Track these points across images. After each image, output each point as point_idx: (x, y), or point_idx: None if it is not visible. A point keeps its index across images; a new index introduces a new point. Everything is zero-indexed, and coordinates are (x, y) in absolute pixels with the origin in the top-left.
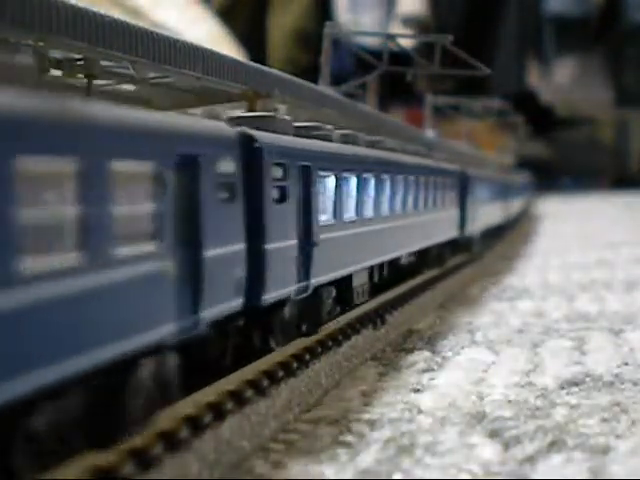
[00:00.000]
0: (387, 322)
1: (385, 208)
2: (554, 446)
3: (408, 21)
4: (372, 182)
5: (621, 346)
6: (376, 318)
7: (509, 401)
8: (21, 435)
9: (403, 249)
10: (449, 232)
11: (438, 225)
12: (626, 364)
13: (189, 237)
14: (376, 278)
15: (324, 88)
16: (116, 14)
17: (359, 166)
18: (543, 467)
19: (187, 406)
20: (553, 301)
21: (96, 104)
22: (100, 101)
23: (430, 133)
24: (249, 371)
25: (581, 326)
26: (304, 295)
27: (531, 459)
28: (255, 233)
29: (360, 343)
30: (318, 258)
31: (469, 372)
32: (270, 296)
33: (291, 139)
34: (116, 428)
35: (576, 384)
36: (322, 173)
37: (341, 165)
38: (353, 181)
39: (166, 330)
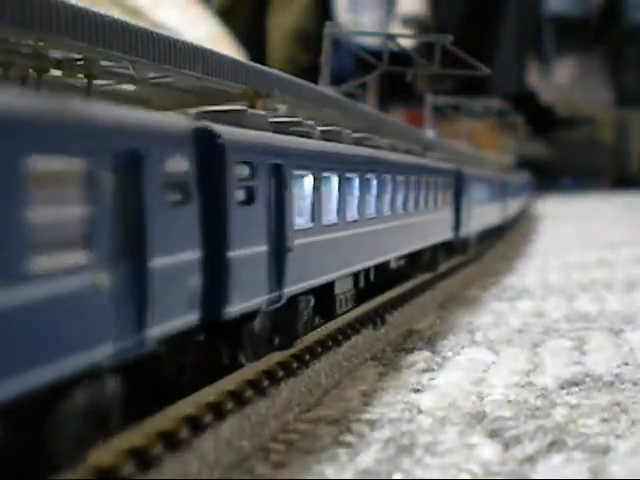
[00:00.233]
0: (387, 322)
1: (371, 210)
2: (554, 446)
3: (408, 21)
4: (356, 182)
5: (621, 346)
6: (376, 318)
7: (509, 401)
8: None
9: (391, 253)
10: (442, 234)
11: (430, 227)
12: (626, 364)
13: (132, 245)
14: (362, 284)
15: (324, 88)
16: (116, 14)
17: (342, 165)
18: (543, 467)
19: (187, 406)
20: (553, 301)
21: (10, 91)
22: (16, 88)
23: (430, 133)
24: (249, 371)
25: (581, 326)
26: (277, 306)
27: (531, 459)
28: (215, 239)
29: (360, 343)
30: (293, 265)
31: (469, 372)
32: (235, 308)
33: (260, 135)
34: (40, 466)
35: (576, 384)
36: (298, 172)
37: (321, 164)
38: (334, 181)
39: (102, 352)
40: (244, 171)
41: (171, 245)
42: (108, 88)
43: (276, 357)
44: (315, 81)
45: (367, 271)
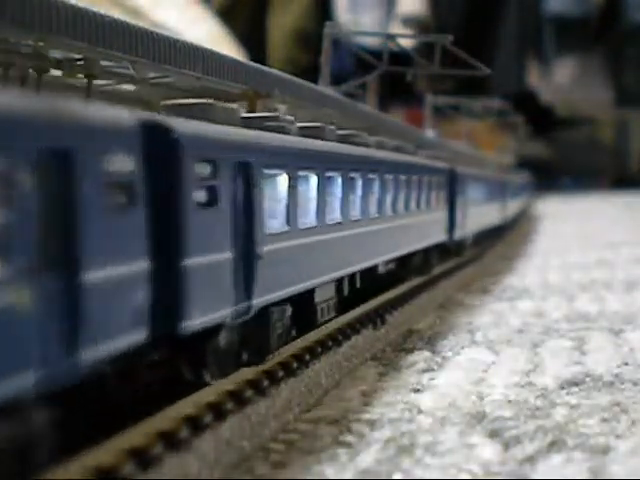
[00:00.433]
0: (387, 322)
1: (356, 211)
2: (554, 446)
3: (408, 21)
4: (339, 182)
5: (621, 346)
6: (376, 318)
7: (509, 401)
8: None
9: (379, 257)
10: (435, 236)
11: (422, 228)
12: (626, 364)
13: (61, 256)
14: (346, 291)
15: (324, 88)
16: (116, 14)
17: (322, 163)
18: (543, 467)
19: (187, 406)
20: (553, 301)
21: None
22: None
23: (430, 133)
24: (249, 372)
25: (581, 326)
26: (245, 318)
27: (531, 459)
28: (168, 246)
29: (360, 343)
30: (264, 273)
31: (469, 372)
32: (193, 323)
33: (225, 129)
34: None
35: (576, 384)
36: (270, 171)
37: (297, 162)
38: (313, 180)
39: (19, 382)
40: (204, 170)
41: (111, 254)
42: (108, 88)
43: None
44: (315, 81)
45: (352, 277)
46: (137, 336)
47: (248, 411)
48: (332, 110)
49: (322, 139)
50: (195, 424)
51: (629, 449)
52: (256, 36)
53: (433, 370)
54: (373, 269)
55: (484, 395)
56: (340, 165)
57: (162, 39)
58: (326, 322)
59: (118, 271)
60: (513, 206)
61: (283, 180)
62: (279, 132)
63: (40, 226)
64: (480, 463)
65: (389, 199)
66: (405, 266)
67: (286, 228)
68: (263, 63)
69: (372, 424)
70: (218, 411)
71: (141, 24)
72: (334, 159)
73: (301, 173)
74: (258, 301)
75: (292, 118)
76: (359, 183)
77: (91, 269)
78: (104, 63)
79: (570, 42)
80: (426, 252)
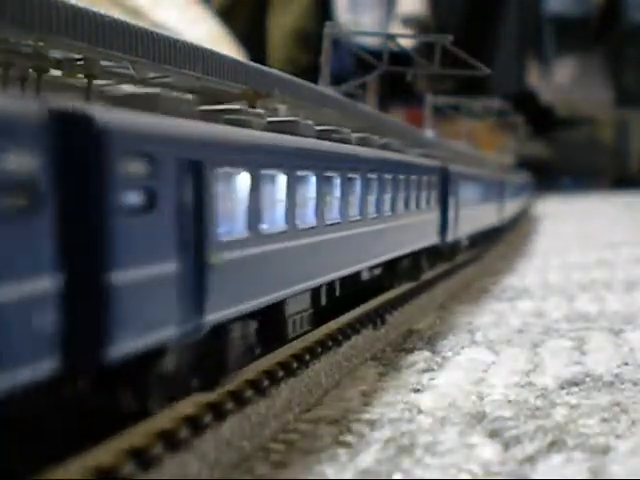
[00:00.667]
0: (387, 322)
1: (333, 214)
2: (554, 446)
3: (408, 21)
4: (312, 181)
5: (621, 346)
6: (376, 318)
7: (509, 401)
8: None
9: (362, 263)
10: (426, 239)
11: (411, 231)
12: (626, 364)
13: None
14: (323, 301)
15: (324, 88)
16: (116, 14)
17: (292, 161)
18: (543, 467)
19: (187, 406)
20: (553, 301)
21: None
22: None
23: (430, 133)
24: (249, 371)
25: (581, 326)
26: (195, 337)
27: (531, 459)
28: (86, 258)
29: (360, 343)
30: (219, 285)
31: (469, 372)
32: (123, 347)
33: (169, 122)
34: None
35: (576, 384)
36: (226, 170)
37: (261, 160)
38: (282, 180)
39: None
40: (138, 168)
41: (6, 270)
42: (108, 88)
43: (276, 357)
44: (315, 81)
45: (331, 285)
46: (43, 368)
47: (248, 411)
48: (332, 110)
49: (297, 135)
50: (195, 424)
51: (629, 449)
52: (256, 36)
53: (433, 370)
54: (355, 276)
55: (484, 395)
56: (315, 163)
57: (162, 39)
58: (299, 336)
59: (16, 291)
60: (512, 207)
61: (244, 180)
62: (242, 126)
63: None
64: (480, 463)
65: (373, 200)
66: (392, 271)
67: (247, 234)
68: (263, 63)
69: (372, 424)
70: (218, 411)
71: (141, 24)
72: (308, 156)
73: (266, 172)
74: (212, 317)
75: (262, 111)
76: (337, 182)
77: None
78: (104, 63)
79: (570, 42)
80: (416, 256)
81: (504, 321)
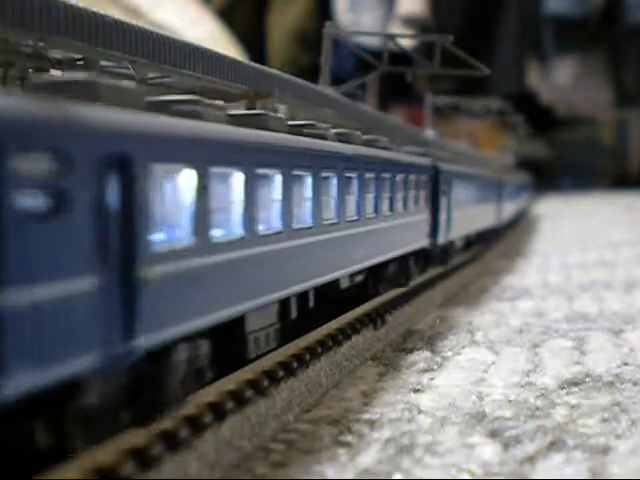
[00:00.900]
0: (387, 322)
1: (305, 217)
2: (554, 446)
3: (408, 21)
4: (277, 181)
5: (621, 346)
6: (376, 318)
7: (509, 401)
8: None
9: (340, 270)
10: (415, 242)
11: (398, 233)
12: (626, 364)
13: None
14: (294, 314)
15: (324, 88)
16: (116, 14)
17: (252, 158)
18: (543, 467)
19: (187, 406)
20: (553, 301)
21: None
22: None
23: (430, 133)
24: (249, 371)
25: (581, 326)
26: (124, 365)
27: (531, 459)
28: None
29: (360, 343)
30: (155, 301)
31: (469, 372)
32: (19, 384)
33: (87, 110)
34: None
35: (576, 384)
36: (165, 166)
37: (211, 156)
38: (238, 180)
39: None
40: (41, 165)
41: None
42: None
43: (276, 357)
44: (315, 81)
45: (303, 295)
46: None
47: (248, 411)
48: (332, 110)
49: (266, 129)
50: (195, 424)
51: (629, 449)
52: (256, 36)
53: (433, 370)
54: (333, 284)
55: (484, 395)
56: (281, 160)
57: (162, 39)
58: (263, 355)
59: None
60: (510, 207)
61: (189, 179)
62: (194, 118)
63: None
64: (480, 463)
65: (352, 201)
66: (377, 277)
67: (193, 242)
68: (263, 63)
69: (372, 424)
70: (218, 411)
71: (141, 24)
72: (272, 153)
73: (218, 170)
74: (145, 340)
75: (221, 103)
76: (309, 182)
77: None
78: (104, 63)
79: (570, 42)
80: (403, 260)
81: (504, 321)
